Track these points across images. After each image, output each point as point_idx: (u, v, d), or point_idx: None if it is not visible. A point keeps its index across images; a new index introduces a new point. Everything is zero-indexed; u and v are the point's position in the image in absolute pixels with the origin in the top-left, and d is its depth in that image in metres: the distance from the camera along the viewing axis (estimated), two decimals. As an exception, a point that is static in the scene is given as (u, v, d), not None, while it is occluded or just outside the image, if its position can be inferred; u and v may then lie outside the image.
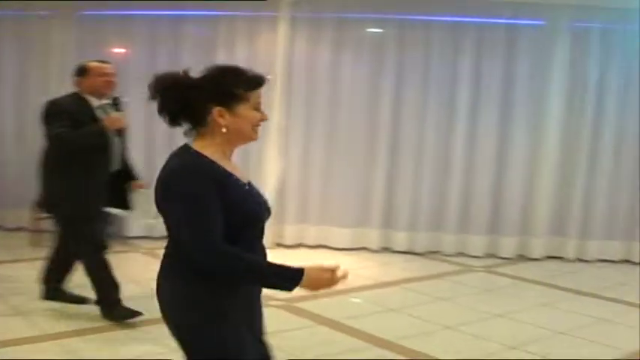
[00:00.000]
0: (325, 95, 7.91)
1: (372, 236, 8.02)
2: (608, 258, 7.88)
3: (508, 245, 7.88)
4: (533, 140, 7.81)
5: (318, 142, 7.97)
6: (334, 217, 7.99)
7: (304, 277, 2.41)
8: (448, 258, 7.84)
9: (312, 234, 8.06)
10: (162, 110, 2.40)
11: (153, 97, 2.39)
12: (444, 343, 4.92)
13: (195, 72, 2.40)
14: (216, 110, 2.39)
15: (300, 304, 5.61)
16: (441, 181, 7.92)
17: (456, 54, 7.77)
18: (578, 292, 6.51)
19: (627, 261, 7.87)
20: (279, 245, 7.77)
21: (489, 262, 7.70)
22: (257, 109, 2.46)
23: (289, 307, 5.52)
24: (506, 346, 4.87)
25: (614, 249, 7.89)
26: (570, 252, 7.85)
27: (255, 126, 2.47)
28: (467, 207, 7.92)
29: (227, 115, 2.40)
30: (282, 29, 7.74)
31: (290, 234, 7.99)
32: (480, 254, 7.89)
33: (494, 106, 7.77)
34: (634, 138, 7.73)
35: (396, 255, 7.87)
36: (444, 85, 7.82)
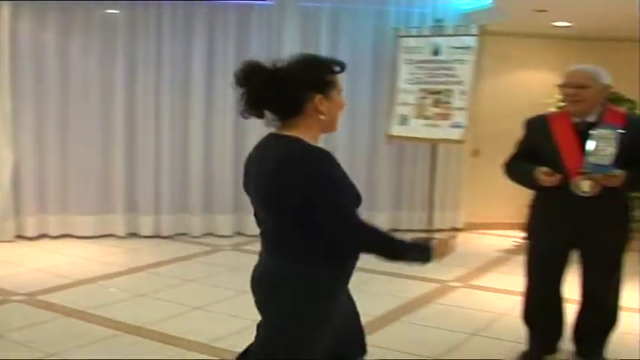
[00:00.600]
0: (55, 80, 7.51)
1: (117, 222, 7.74)
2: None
3: (254, 222, 7.82)
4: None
5: (51, 129, 7.55)
6: (75, 205, 7.64)
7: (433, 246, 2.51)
8: (196, 239, 7.77)
9: (54, 224, 7.62)
10: (255, 99, 2.46)
11: (243, 84, 2.46)
12: (195, 324, 4.88)
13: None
14: (317, 98, 2.43)
15: (44, 297, 5.32)
16: (181, 162, 7.83)
17: (189, 34, 7.71)
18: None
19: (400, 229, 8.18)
20: (20, 237, 7.26)
21: (238, 240, 7.73)
22: (340, 93, 2.54)
23: (33, 301, 5.23)
24: (254, 320, 4.87)
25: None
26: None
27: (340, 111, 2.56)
28: (210, 186, 7.90)
29: (325, 102, 2.46)
30: (4, 13, 7.25)
31: (31, 225, 7.47)
32: (228, 233, 7.88)
33: (229, 87, 7.69)
34: (366, 112, 8.07)
35: (144, 240, 7.68)
36: (178, 65, 7.73)
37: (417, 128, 7.61)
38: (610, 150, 3.61)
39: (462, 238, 7.91)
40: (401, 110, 7.72)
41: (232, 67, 7.40)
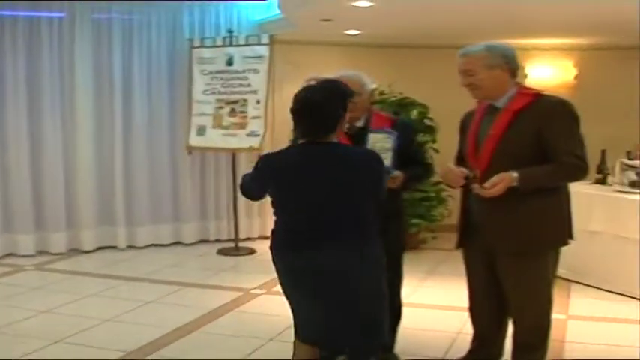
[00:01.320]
0: None
1: None
2: (158, 242, 8.13)
3: (58, 241, 7.70)
4: (67, 134, 7.72)
5: None
6: None
7: None
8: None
9: None
10: (327, 118, 3.10)
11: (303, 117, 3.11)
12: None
13: None
14: (345, 116, 3.17)
15: None
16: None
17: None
18: (130, 279, 6.66)
19: (178, 242, 8.24)
20: None
21: (41, 259, 7.48)
22: None
23: None
24: (50, 340, 4.84)
25: (163, 232, 8.18)
26: (121, 241, 7.94)
27: None
28: (8, 206, 7.60)
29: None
30: None
31: None
32: (30, 252, 7.60)
33: (22, 104, 7.54)
34: (165, 124, 8.09)
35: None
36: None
37: (215, 138, 7.68)
38: (388, 153, 3.69)
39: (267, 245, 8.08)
40: (198, 121, 7.76)
41: (23, 80, 7.40)
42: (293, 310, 3.32)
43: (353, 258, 3.07)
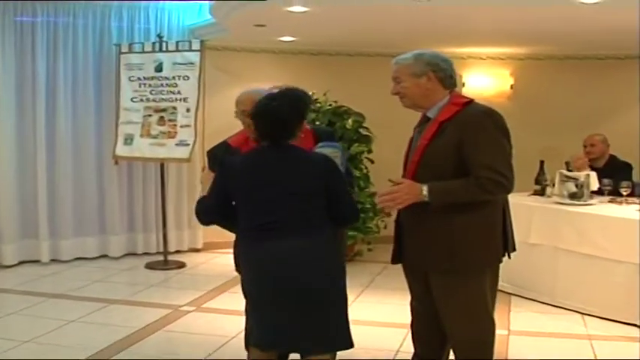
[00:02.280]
0: None
1: None
2: (84, 256, 7.86)
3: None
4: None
5: None
6: None
7: None
8: None
9: None
10: (288, 123, 3.35)
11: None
12: None
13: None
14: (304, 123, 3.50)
15: None
16: None
17: None
18: (53, 296, 6.37)
19: (105, 256, 7.96)
20: None
21: None
22: None
23: None
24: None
25: (89, 246, 7.91)
26: (45, 254, 7.64)
27: None
28: None
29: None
30: None
31: None
32: None
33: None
34: (90, 133, 7.84)
35: None
36: None
37: (143, 147, 7.47)
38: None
39: (200, 258, 7.92)
40: (126, 129, 7.53)
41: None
42: (253, 317, 3.44)
43: (318, 251, 3.28)
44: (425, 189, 3.32)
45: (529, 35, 7.19)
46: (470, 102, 3.49)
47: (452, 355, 3.73)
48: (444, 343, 3.77)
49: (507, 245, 3.59)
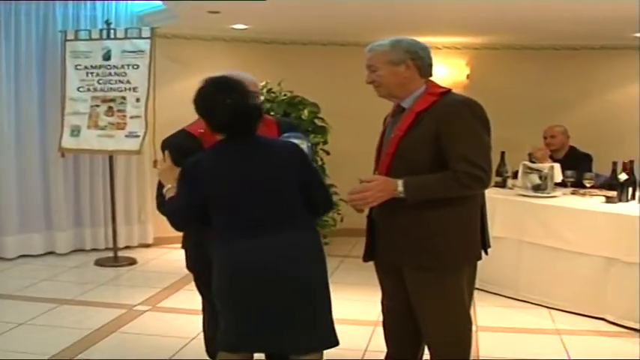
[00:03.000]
0: None
1: None
2: (29, 253, 7.57)
3: None
4: None
5: None
6: None
7: None
8: None
9: None
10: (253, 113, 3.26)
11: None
12: None
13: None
14: None
15: None
16: None
17: None
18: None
19: (51, 252, 7.69)
20: None
21: None
22: None
23: None
24: None
25: (35, 242, 7.63)
26: (-12, 252, 7.34)
27: None
28: None
29: None
30: None
31: None
32: None
33: None
34: (35, 124, 7.56)
35: None
36: None
37: (91, 139, 7.19)
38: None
39: (151, 254, 7.70)
40: (72, 120, 7.23)
41: None
42: (228, 319, 3.21)
43: (306, 243, 3.27)
44: (400, 184, 3.21)
45: (485, 24, 7.15)
46: (447, 92, 3.37)
47: (427, 355, 3.63)
48: (418, 341, 3.67)
49: (485, 241, 3.51)
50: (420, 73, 3.38)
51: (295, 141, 3.46)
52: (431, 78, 3.44)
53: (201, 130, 3.48)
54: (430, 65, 3.43)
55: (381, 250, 3.50)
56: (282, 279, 3.14)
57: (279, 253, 3.15)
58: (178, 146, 3.55)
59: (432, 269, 3.32)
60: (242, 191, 3.19)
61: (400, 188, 3.21)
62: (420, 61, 3.37)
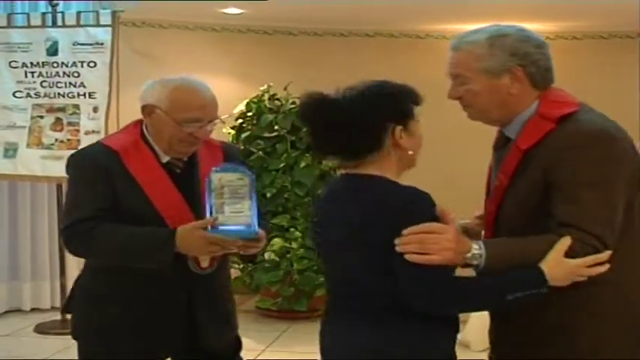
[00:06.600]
0: None
1: None
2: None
3: None
4: None
5: None
6: None
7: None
8: None
9: None
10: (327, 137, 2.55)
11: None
12: None
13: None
14: (397, 130, 2.43)
15: None
16: None
17: None
18: None
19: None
20: None
21: None
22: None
23: None
24: None
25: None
26: None
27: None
28: None
29: (405, 136, 2.45)
30: None
31: None
32: None
33: None
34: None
35: None
36: None
37: (32, 162, 6.33)
38: (243, 202, 3.01)
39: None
40: (7, 136, 6.35)
41: None
42: None
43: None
44: (476, 248, 2.36)
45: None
46: (571, 114, 2.46)
47: None
48: None
49: None
50: (533, 84, 2.52)
51: (230, 174, 3.00)
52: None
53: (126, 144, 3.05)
54: (548, 70, 2.56)
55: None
56: None
57: None
58: (93, 163, 3.08)
59: None
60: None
61: (476, 252, 2.34)
62: (534, 66, 2.51)
